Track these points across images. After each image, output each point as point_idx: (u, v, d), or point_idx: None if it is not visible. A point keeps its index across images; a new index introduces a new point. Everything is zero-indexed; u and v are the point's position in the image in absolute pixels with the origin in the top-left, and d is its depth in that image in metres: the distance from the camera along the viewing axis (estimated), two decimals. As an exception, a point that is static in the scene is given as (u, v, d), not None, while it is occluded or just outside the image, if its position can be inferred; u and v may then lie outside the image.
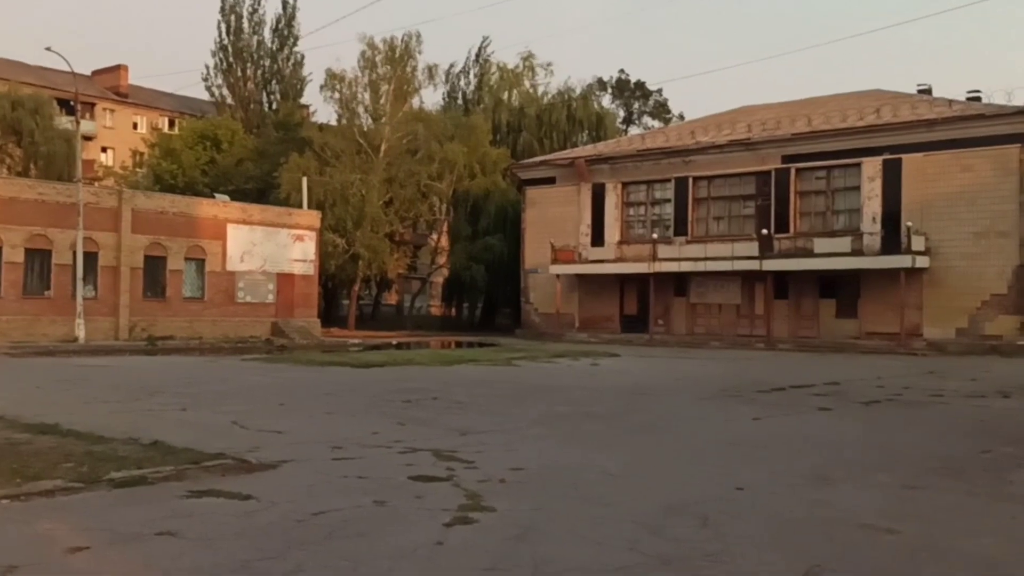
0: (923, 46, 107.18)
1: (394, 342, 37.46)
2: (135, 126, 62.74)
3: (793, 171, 34.26)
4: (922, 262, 30.63)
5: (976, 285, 30.30)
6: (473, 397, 14.77)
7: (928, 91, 37.00)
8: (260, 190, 43.14)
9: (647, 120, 67.06)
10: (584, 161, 39.47)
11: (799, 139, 34.13)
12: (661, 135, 40.79)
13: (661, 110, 67.93)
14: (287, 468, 7.93)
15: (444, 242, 49.49)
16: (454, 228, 46.32)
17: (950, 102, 32.59)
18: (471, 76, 59.92)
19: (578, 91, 50.50)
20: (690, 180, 36.80)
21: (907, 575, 5.04)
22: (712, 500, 6.75)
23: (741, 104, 43.79)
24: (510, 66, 51.05)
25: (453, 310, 52.70)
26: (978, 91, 34.89)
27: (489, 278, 45.00)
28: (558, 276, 38.65)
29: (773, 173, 34.70)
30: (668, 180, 37.46)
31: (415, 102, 46.56)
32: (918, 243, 30.64)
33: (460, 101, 57.80)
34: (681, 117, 66.50)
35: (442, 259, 49.68)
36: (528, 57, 50.87)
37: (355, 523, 5.96)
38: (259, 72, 52.05)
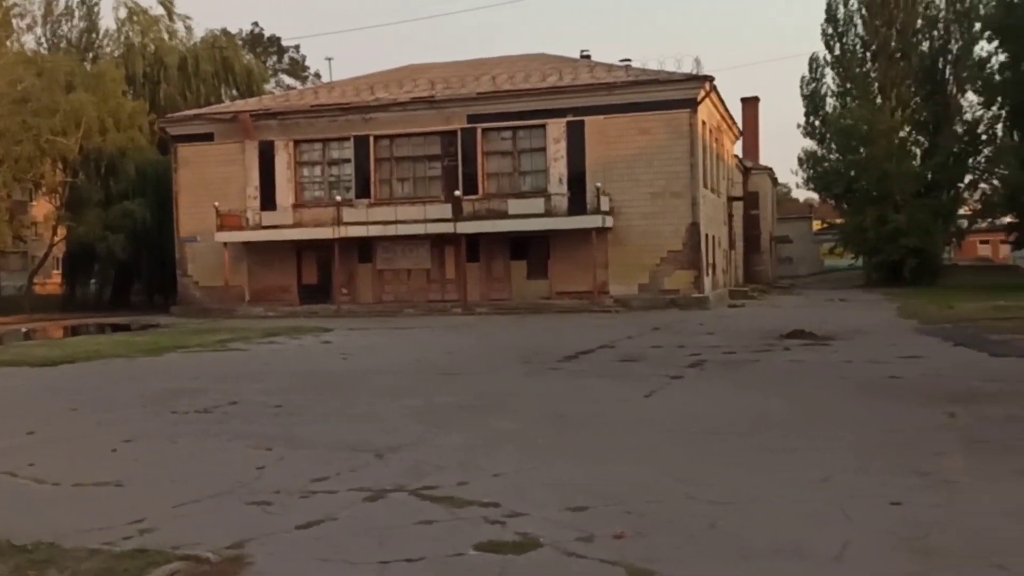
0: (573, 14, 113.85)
1: (23, 329, 30.99)
2: None
3: (479, 131, 33.49)
4: (609, 222, 31.52)
5: (655, 243, 31.85)
6: (269, 396, 11.75)
7: (588, 57, 38.23)
8: None
9: (284, 78, 63.14)
10: (249, 116, 35.39)
11: (484, 99, 33.40)
12: (336, 90, 37.79)
13: (298, 67, 64.38)
14: (264, 561, 4.94)
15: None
16: (83, 192, 39.33)
17: (627, 68, 33.79)
18: (76, 19, 52.10)
19: (223, 42, 45.49)
20: (371, 139, 34.52)
21: None
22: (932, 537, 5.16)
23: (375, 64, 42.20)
24: (142, 3, 44.40)
25: (76, 288, 45.22)
26: (629, 59, 36.49)
27: (129, 249, 39.11)
28: (225, 245, 34.42)
29: (459, 133, 33.66)
30: (347, 139, 34.83)
31: (27, 42, 38.78)
32: (605, 204, 31.47)
33: (64, 46, 49.90)
34: (318, 76, 63.58)
35: (63, 228, 42.11)
36: (168, 2, 44.73)
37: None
38: None
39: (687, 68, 31.92)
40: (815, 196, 70.63)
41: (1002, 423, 8.51)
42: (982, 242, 71.24)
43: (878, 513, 5.49)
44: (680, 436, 8.35)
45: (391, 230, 32.97)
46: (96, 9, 52.00)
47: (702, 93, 31.76)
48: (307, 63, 63.50)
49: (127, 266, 42.10)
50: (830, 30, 53.39)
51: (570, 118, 32.46)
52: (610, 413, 9.76)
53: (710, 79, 31.80)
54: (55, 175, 40.42)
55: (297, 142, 35.46)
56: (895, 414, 9.18)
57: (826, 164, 52.14)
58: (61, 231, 41.52)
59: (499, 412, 9.98)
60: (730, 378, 12.61)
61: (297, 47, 62.51)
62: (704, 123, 33.45)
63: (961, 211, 53.18)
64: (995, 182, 48.72)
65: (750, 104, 61.72)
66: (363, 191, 34.57)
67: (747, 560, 4.68)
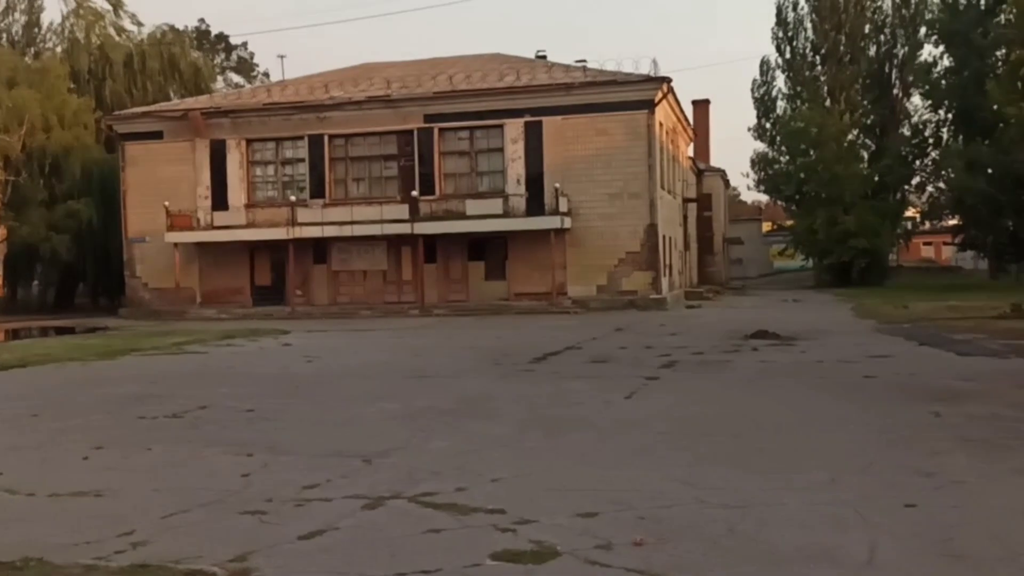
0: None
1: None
2: None
3: (436, 131, 33.18)
4: (567, 223, 31.42)
5: (613, 244, 31.84)
6: (239, 400, 11.39)
7: (544, 58, 38.11)
8: None
9: (232, 76, 62.09)
10: (200, 114, 34.63)
11: (441, 98, 33.09)
12: (289, 88, 37.09)
13: (246, 66, 63.35)
14: (274, 575, 4.68)
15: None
16: (26, 191, 38.08)
17: (584, 68, 33.72)
18: (17, 13, 50.80)
19: (170, 39, 44.56)
20: (326, 138, 34.00)
21: None
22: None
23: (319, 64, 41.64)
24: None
25: (17, 290, 43.86)
26: (584, 60, 36.47)
27: (74, 250, 38.07)
28: (176, 245, 33.63)
29: (416, 132, 33.32)
30: (300, 138, 34.25)
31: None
32: (563, 205, 31.36)
33: (5, 40, 48.60)
34: (267, 75, 62.62)
35: (4, 228, 40.77)
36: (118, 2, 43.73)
37: None
38: None
39: (644, 69, 32.03)
40: (764, 198, 71.70)
41: (989, 422, 8.55)
42: (926, 244, 72.80)
43: (895, 515, 5.41)
44: (673, 438, 8.23)
45: (347, 231, 32.52)
46: (38, 3, 50.77)
47: (659, 94, 31.86)
48: (256, 61, 62.48)
49: (72, 267, 41.00)
50: (780, 34, 54.14)
51: (528, 118, 32.34)
52: (595, 415, 9.61)
53: (667, 80, 31.92)
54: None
55: (249, 141, 34.82)
56: (882, 414, 9.18)
57: (777, 167, 52.80)
58: (2, 231, 40.19)
59: (482, 415, 9.78)
60: (706, 379, 12.56)
61: (245, 45, 61.41)
62: (661, 124, 33.57)
63: (908, 213, 54.29)
64: (941, 185, 49.82)
65: (701, 106, 62.09)
66: (318, 191, 34.06)
67: (779, 566, 4.55)
